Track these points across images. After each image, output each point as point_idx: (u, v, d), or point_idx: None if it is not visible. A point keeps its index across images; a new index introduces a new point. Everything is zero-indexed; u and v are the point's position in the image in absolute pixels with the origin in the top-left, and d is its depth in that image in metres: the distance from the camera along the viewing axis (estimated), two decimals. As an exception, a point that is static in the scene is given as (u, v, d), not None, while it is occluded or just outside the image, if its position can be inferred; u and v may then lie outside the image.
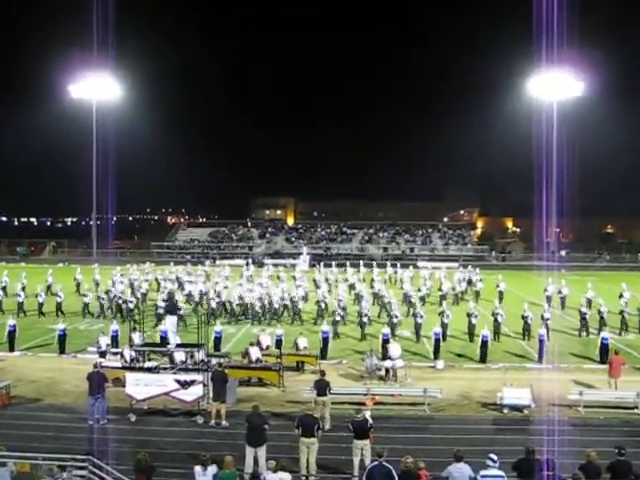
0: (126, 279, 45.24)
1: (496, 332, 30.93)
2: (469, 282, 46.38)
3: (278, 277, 46.44)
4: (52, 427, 19.58)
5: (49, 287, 43.92)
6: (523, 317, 31.48)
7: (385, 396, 21.74)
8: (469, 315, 31.31)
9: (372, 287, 42.93)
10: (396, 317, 31.61)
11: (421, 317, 31.36)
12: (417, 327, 31.22)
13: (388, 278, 49.06)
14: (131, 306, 35.88)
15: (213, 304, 36.64)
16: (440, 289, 41.41)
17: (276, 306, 36.39)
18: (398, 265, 53.22)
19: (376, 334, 28.94)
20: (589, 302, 38.45)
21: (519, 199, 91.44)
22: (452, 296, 41.60)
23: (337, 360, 27.34)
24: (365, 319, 32.08)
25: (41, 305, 37.52)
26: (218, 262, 62.20)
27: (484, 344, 27.33)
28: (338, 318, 32.42)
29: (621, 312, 33.42)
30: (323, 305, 35.97)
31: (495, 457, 13.36)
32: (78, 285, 45.12)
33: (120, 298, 37.24)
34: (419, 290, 40.53)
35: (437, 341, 27.80)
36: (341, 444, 17.10)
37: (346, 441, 16.67)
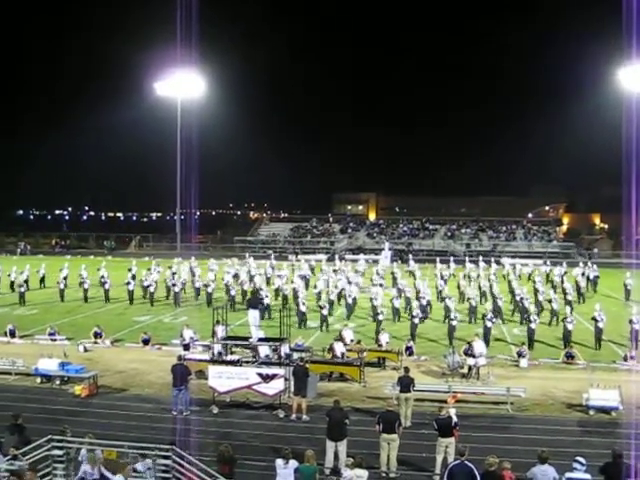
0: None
1: (597, 338, 29.03)
2: (588, 278, 44.97)
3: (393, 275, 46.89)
4: (137, 417, 20.09)
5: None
6: (631, 322, 28.69)
7: (467, 394, 21.46)
8: (564, 320, 29.32)
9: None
10: (535, 320, 29.73)
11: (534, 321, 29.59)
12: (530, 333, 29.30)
13: (467, 275, 47.94)
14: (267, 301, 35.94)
15: (332, 296, 37.02)
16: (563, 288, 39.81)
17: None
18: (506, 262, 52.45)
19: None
20: None
21: (607, 194, 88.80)
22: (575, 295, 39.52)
23: (417, 356, 27.12)
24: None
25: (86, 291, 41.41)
26: (301, 257, 62.06)
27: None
28: (489, 324, 29.65)
29: None
30: (474, 303, 34.93)
31: (583, 460, 13.03)
32: (133, 277, 45.18)
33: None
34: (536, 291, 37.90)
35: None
36: (422, 441, 16.97)
37: (427, 438, 16.54)
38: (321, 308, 33.17)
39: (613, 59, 67.27)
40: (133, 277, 45.09)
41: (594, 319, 29.61)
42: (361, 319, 35.02)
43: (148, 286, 40.96)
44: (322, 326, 32.24)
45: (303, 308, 33.71)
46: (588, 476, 12.89)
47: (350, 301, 36.62)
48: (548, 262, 50.79)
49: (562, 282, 41.97)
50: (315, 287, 40.48)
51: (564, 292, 38.36)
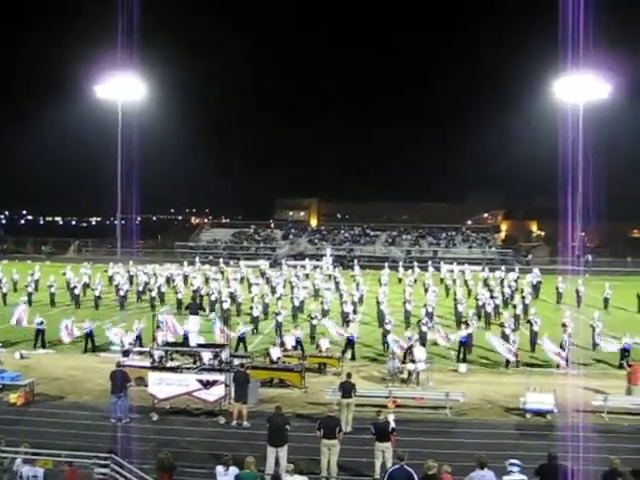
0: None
1: (532, 341, 29.56)
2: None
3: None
4: (75, 425, 19.72)
5: (37, 282, 45.27)
6: (563, 325, 29.00)
7: (407, 399, 21.66)
8: (502, 325, 29.77)
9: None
10: (473, 325, 30.17)
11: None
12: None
13: (414, 281, 48.35)
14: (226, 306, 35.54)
15: (267, 300, 37.53)
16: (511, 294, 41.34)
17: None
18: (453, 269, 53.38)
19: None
20: (606, 302, 40.69)
21: (544, 202, 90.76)
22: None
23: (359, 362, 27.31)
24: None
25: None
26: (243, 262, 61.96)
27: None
28: (425, 328, 29.84)
29: None
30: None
31: (517, 462, 13.26)
32: (68, 282, 44.87)
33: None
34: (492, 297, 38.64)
35: (462, 344, 27.68)
36: (363, 446, 17.08)
37: (367, 443, 16.63)
38: (277, 314, 32.81)
39: (549, 70, 68.73)
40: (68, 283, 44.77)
41: (529, 322, 30.47)
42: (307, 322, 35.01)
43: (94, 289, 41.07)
44: (277, 331, 31.62)
45: (256, 313, 33.61)
46: (524, 477, 13.13)
47: (297, 304, 36.73)
48: (503, 268, 52.03)
49: (516, 287, 44.16)
50: (250, 292, 40.66)
51: (522, 297, 39.09)
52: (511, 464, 13.26)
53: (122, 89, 73.58)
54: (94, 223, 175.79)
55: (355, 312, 35.92)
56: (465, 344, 27.70)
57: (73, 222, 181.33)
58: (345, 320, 33.78)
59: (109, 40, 62.21)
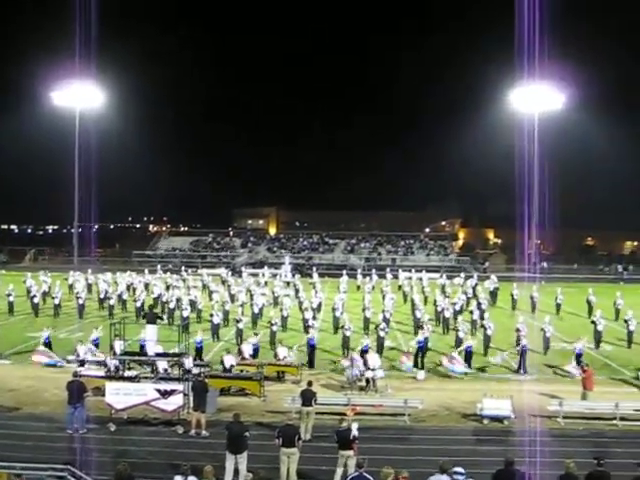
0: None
1: (485, 345, 30.19)
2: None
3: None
4: (31, 436, 19.40)
5: None
6: (517, 330, 29.65)
7: (366, 406, 21.72)
8: (456, 330, 30.51)
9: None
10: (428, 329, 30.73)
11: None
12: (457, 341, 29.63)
13: (372, 288, 48.54)
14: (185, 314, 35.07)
15: (227, 307, 37.59)
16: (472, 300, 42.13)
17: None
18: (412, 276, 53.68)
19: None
20: (558, 307, 41.84)
21: (501, 211, 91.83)
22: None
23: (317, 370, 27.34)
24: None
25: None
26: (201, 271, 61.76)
27: (468, 354, 27.48)
28: (382, 333, 30.26)
29: (592, 322, 33.53)
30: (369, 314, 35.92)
31: (461, 469, 13.41)
32: (28, 290, 44.32)
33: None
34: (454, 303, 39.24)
35: (419, 350, 27.86)
36: (322, 454, 17.11)
37: (327, 451, 16.68)
38: (237, 322, 32.60)
39: (505, 81, 69.69)
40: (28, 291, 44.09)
41: (483, 327, 31.13)
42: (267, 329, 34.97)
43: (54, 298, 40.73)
44: (237, 339, 31.56)
45: (216, 320, 33.47)
46: (471, 482, 13.33)
47: (256, 311, 36.68)
48: (462, 274, 52.84)
49: (474, 293, 44.97)
50: (211, 299, 40.44)
51: (479, 303, 39.38)
52: (455, 472, 13.39)
53: (79, 96, 72.87)
54: (50, 231, 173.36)
55: (314, 319, 35.96)
56: (422, 349, 27.92)
57: (29, 230, 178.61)
58: (305, 327, 33.82)
59: (66, 47, 61.68)
